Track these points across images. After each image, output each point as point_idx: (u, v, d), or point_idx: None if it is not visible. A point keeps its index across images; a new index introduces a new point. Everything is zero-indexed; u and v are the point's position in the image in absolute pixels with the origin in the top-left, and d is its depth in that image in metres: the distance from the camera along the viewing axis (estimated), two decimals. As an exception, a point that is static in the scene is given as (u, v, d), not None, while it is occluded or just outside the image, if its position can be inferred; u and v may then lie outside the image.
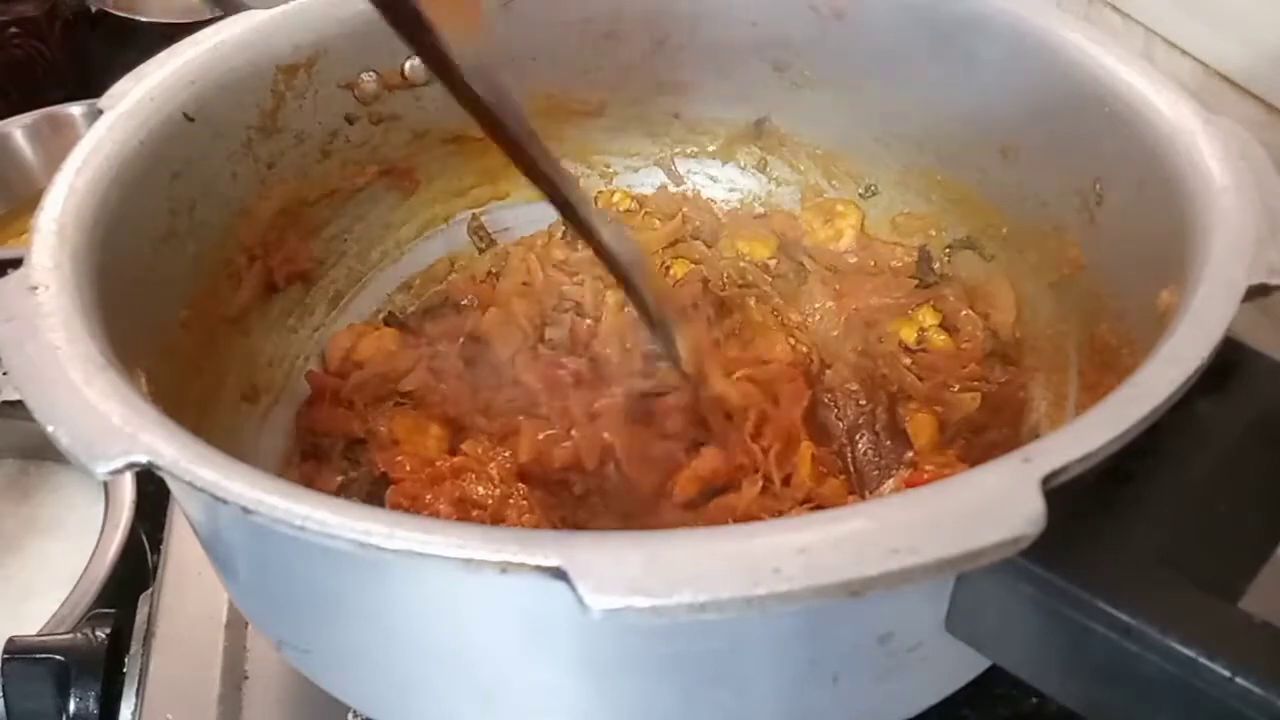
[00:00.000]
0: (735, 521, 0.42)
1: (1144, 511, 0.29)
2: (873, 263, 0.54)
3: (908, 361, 0.48)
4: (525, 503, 0.41)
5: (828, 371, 0.49)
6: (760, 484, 0.43)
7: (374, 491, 0.44)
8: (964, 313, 0.50)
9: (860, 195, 0.56)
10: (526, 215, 0.58)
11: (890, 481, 0.43)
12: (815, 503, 0.43)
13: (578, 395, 0.47)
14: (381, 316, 0.54)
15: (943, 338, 0.50)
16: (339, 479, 0.44)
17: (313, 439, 0.47)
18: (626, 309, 0.52)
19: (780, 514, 0.43)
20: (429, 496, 0.41)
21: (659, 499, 0.44)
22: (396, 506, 0.42)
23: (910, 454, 0.45)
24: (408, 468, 0.43)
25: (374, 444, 0.45)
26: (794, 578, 0.23)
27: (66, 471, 0.64)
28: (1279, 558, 0.31)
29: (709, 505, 0.43)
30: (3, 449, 0.66)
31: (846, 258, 0.54)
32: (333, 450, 0.46)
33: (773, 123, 0.56)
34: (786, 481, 0.44)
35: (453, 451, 0.45)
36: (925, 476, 0.42)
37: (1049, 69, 0.43)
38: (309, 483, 0.44)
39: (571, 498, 0.43)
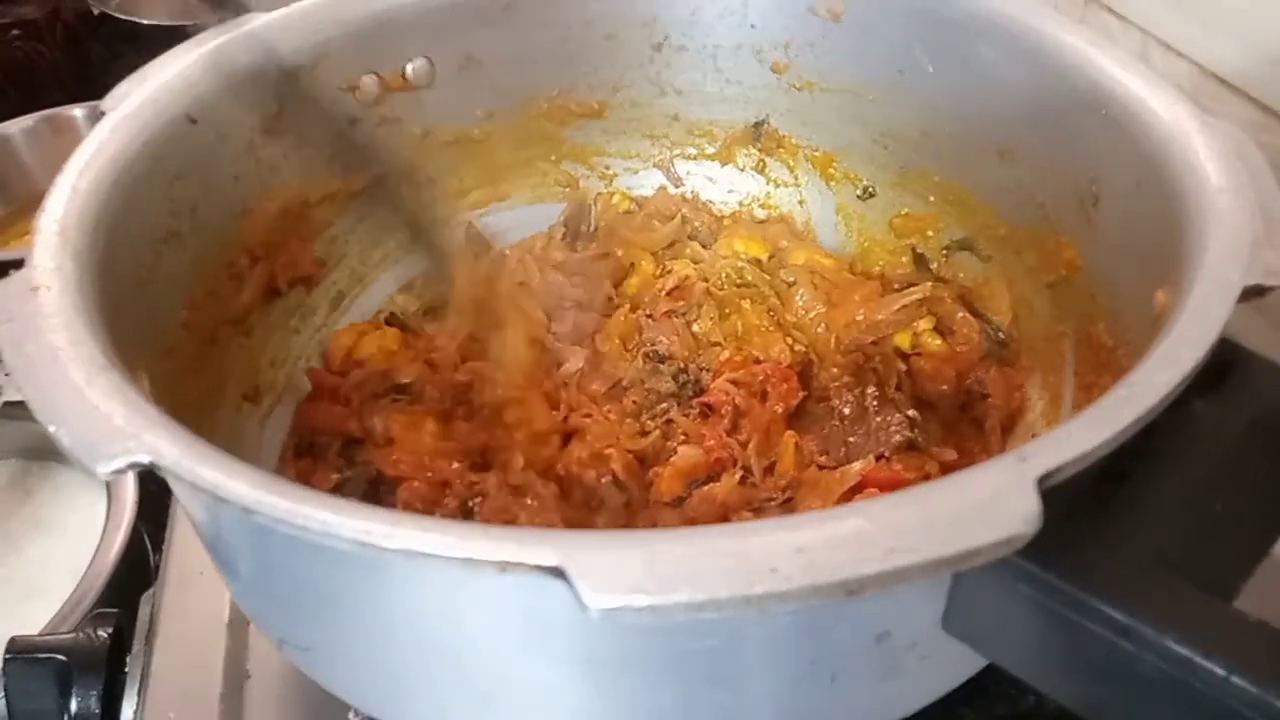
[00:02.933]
0: (716, 511, 0.43)
1: (1140, 511, 0.29)
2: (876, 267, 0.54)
3: (903, 367, 0.48)
4: (535, 504, 0.41)
5: (822, 372, 0.49)
6: (739, 474, 0.44)
7: (370, 491, 0.44)
8: (960, 315, 0.50)
9: (858, 197, 0.56)
10: (526, 217, 0.58)
11: (858, 464, 0.43)
12: (792, 490, 0.44)
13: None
14: (383, 317, 0.54)
15: (937, 342, 0.50)
16: (335, 477, 0.45)
17: (310, 436, 0.48)
18: (637, 313, 0.52)
19: (759, 502, 0.43)
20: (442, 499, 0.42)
21: (646, 500, 0.44)
22: (409, 506, 0.42)
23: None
24: (404, 466, 0.43)
25: (370, 443, 0.46)
26: (791, 577, 0.23)
27: (68, 471, 0.65)
28: (1275, 557, 0.31)
29: (691, 497, 0.43)
30: (5, 449, 0.66)
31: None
32: (329, 449, 0.46)
33: (771, 124, 0.56)
34: (770, 470, 0.44)
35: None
36: (883, 474, 0.42)
37: (1046, 71, 0.43)
38: (304, 481, 0.44)
39: (582, 492, 0.44)
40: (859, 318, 0.51)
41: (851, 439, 0.45)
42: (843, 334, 0.51)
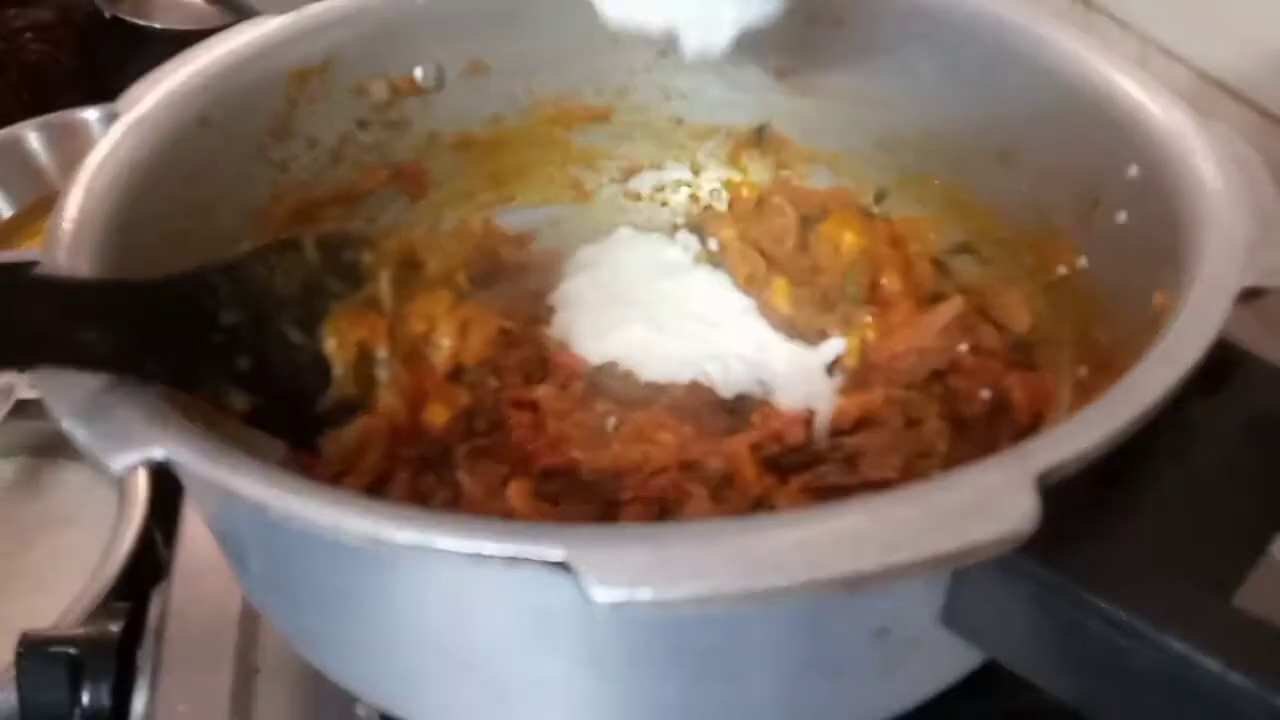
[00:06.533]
0: None
1: (1139, 509, 0.30)
2: None
3: (939, 390, 0.48)
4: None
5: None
6: (706, 498, 0.42)
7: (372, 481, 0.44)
8: (982, 327, 0.48)
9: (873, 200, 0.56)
10: (530, 219, 0.58)
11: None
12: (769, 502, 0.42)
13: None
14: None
15: (971, 359, 0.47)
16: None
17: None
18: None
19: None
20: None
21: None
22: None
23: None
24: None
25: None
26: (793, 572, 0.24)
27: (79, 469, 0.65)
28: (1272, 555, 0.31)
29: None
30: (16, 446, 0.66)
31: None
32: None
33: (774, 129, 0.57)
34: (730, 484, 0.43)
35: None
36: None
37: (1046, 75, 0.44)
38: (305, 471, 0.45)
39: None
40: (903, 349, 0.48)
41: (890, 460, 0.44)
42: (893, 366, 0.48)
